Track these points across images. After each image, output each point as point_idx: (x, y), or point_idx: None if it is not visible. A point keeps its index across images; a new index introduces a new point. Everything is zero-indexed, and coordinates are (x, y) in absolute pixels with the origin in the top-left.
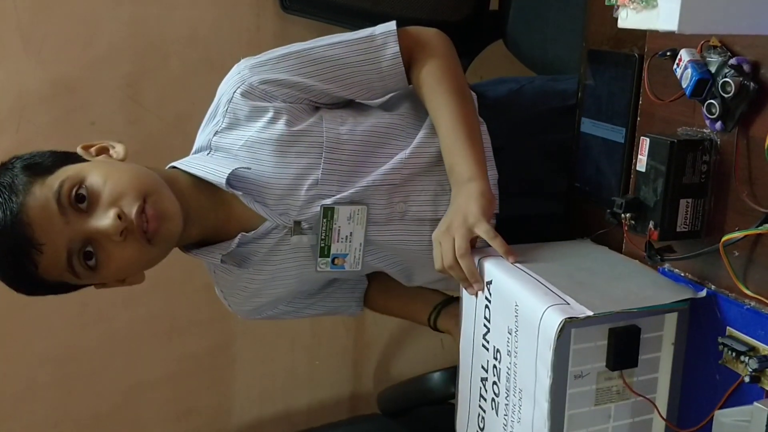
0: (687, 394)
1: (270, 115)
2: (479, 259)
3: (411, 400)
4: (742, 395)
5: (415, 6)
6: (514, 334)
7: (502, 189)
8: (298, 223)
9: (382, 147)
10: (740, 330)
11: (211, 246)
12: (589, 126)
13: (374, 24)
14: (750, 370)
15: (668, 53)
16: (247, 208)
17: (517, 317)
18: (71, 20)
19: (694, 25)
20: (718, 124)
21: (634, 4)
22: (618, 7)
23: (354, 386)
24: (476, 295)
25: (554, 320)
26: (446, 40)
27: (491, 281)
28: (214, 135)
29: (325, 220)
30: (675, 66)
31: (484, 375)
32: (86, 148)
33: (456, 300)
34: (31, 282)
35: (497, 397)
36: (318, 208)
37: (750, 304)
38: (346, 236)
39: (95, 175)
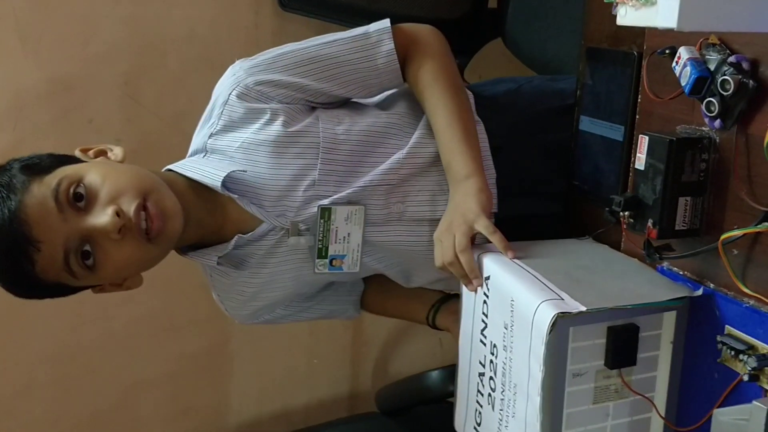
0: (685, 393)
1: (266, 116)
2: (478, 255)
3: (409, 398)
4: (740, 394)
5: (413, 4)
6: (509, 329)
7: (500, 189)
8: (295, 224)
9: (379, 146)
10: (739, 328)
11: (207, 248)
12: (587, 124)
13: (372, 22)
14: (749, 368)
15: (667, 51)
16: (244, 210)
17: (513, 312)
18: (69, 18)
19: (693, 23)
20: (717, 122)
21: (633, 1)
22: (617, 4)
23: (352, 385)
24: (476, 292)
25: (547, 315)
26: (440, 37)
27: (489, 277)
28: (210, 137)
29: (322, 221)
30: (674, 64)
31: (482, 370)
32: (84, 150)
33: (454, 297)
34: (29, 282)
35: (493, 392)
36: (315, 209)
37: (749, 303)
38: (344, 237)
39: (94, 174)
